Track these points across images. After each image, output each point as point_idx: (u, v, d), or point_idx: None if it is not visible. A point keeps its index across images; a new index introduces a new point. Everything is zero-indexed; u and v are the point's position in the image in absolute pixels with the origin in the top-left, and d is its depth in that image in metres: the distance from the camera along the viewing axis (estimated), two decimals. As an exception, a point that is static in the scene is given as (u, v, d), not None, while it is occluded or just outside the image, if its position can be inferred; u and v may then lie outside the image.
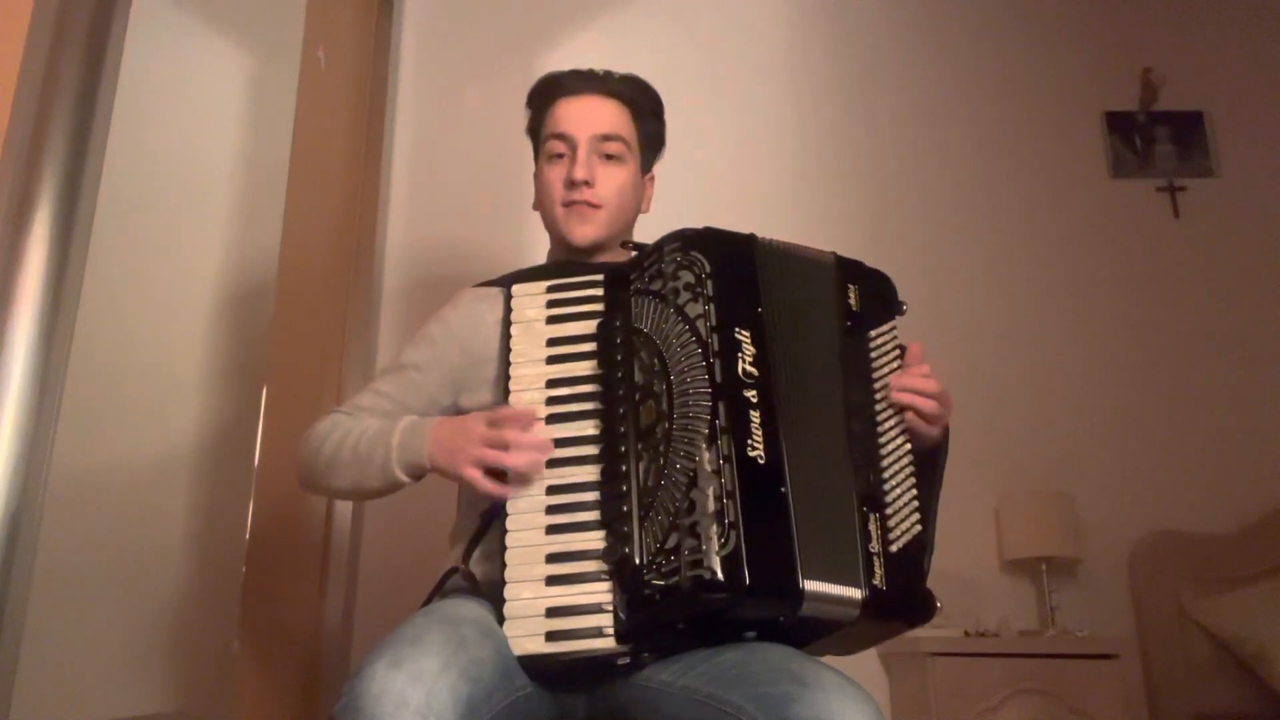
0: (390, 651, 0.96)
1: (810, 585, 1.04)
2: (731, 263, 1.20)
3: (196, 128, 1.77)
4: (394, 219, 2.75)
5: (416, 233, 2.75)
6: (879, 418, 1.21)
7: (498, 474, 1.17)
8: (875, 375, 1.23)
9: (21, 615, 1.14)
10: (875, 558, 1.10)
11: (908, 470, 1.19)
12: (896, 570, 1.11)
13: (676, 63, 2.88)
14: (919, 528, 1.17)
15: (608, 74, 1.44)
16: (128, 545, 1.52)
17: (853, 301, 1.26)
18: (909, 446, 1.21)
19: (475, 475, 1.16)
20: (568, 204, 1.38)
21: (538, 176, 1.44)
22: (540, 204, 1.44)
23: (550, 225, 1.43)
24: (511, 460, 1.15)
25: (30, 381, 1.15)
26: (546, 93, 1.44)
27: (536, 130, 1.46)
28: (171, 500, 1.66)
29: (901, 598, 1.12)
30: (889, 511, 1.15)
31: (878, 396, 1.22)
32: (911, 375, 1.23)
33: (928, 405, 1.22)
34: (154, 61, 1.54)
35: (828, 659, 1.08)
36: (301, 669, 2.21)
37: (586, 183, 1.36)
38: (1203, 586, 2.50)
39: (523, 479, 1.16)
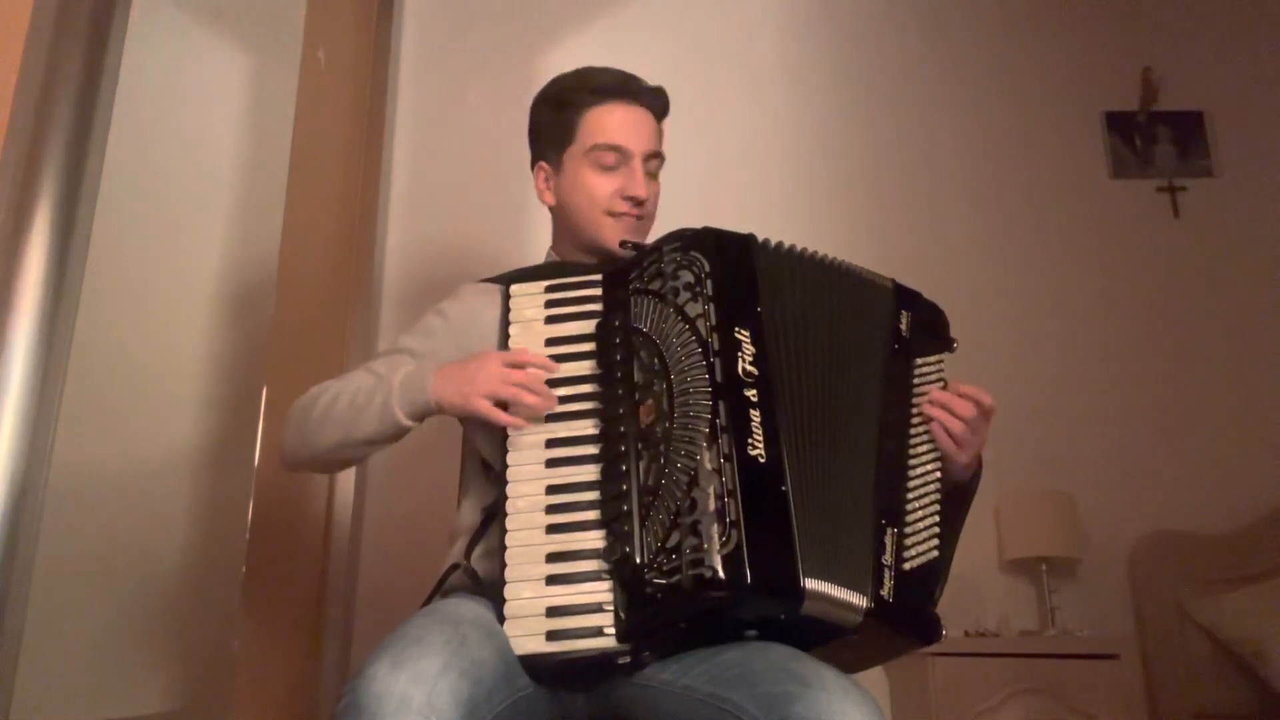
0: (392, 652, 0.96)
1: (812, 584, 1.04)
2: (731, 262, 1.21)
3: (196, 128, 1.77)
4: (394, 219, 2.75)
5: (416, 233, 2.75)
6: (913, 440, 1.22)
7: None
8: (915, 400, 1.25)
9: (21, 615, 1.14)
10: (886, 570, 1.11)
11: (933, 497, 1.21)
12: (906, 587, 1.12)
13: (675, 63, 2.87)
14: (935, 553, 1.17)
15: (639, 80, 1.45)
16: (128, 545, 1.51)
17: (903, 327, 1.29)
18: (938, 475, 1.23)
19: (485, 406, 1.17)
20: (615, 214, 1.38)
21: (575, 179, 1.40)
22: (570, 205, 1.41)
23: (583, 227, 1.41)
24: (525, 397, 1.16)
25: (30, 381, 1.15)
26: (595, 92, 1.41)
27: (566, 129, 1.41)
28: (171, 500, 1.66)
29: (907, 614, 1.13)
30: (907, 530, 1.16)
31: (914, 420, 1.24)
32: (951, 395, 1.25)
33: (955, 425, 1.23)
34: (154, 61, 1.54)
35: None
36: (301, 669, 2.21)
37: (644, 200, 1.39)
38: (1203, 586, 2.50)
39: (534, 414, 1.17)
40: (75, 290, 1.23)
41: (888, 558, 1.12)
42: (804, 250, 1.28)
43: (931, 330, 1.33)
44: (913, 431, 1.23)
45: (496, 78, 2.86)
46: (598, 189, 1.39)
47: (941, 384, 1.29)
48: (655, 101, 1.44)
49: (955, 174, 2.91)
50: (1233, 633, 2.39)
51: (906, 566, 1.14)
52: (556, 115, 1.43)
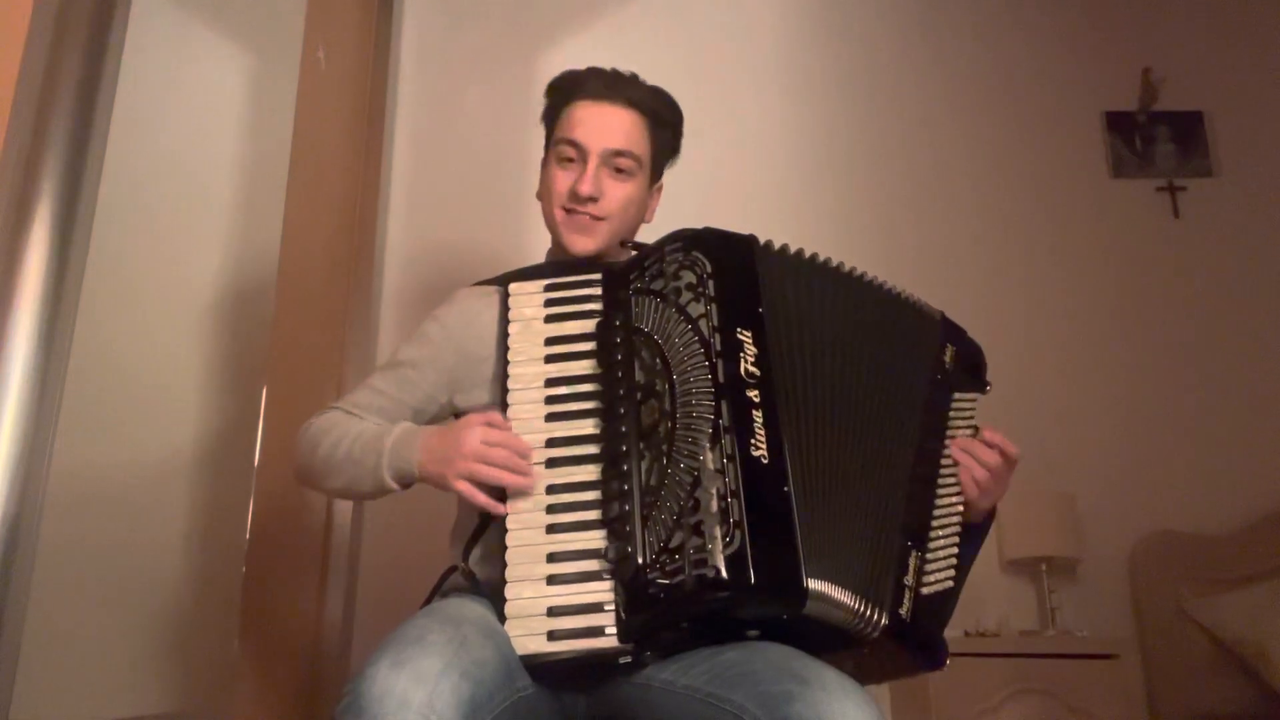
0: (392, 652, 0.96)
1: (815, 585, 1.04)
2: (733, 263, 1.21)
3: (196, 128, 1.77)
4: (394, 219, 2.75)
5: (416, 232, 2.75)
6: (944, 471, 1.24)
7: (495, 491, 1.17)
8: (949, 433, 1.26)
9: (21, 615, 1.14)
10: (907, 590, 1.12)
11: (955, 529, 1.22)
12: (922, 610, 1.13)
13: (675, 62, 2.87)
14: (951, 584, 1.19)
15: (632, 80, 1.41)
16: (128, 545, 1.51)
17: (947, 359, 1.31)
18: (961, 509, 1.24)
19: (465, 488, 1.16)
20: (569, 210, 1.38)
21: (544, 170, 1.43)
22: (542, 199, 1.44)
23: (549, 224, 1.43)
24: (505, 478, 1.14)
25: (30, 382, 1.15)
26: (567, 89, 1.42)
27: (550, 123, 1.44)
28: (171, 500, 1.66)
29: (920, 636, 1.14)
30: (929, 557, 1.17)
31: (946, 452, 1.25)
32: (979, 444, 1.26)
33: (980, 473, 1.25)
34: (154, 61, 1.54)
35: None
36: (301, 669, 2.21)
37: (592, 198, 1.36)
38: (1203, 586, 2.50)
39: (518, 493, 1.15)
40: (75, 291, 1.23)
41: (909, 579, 1.13)
42: (814, 256, 1.27)
43: (971, 369, 1.35)
44: (944, 462, 1.24)
45: (496, 78, 2.86)
46: (555, 184, 1.39)
47: (973, 424, 1.30)
48: (639, 97, 1.40)
49: (955, 174, 2.91)
50: (1233, 633, 2.39)
51: (925, 591, 1.14)
52: (547, 108, 1.46)
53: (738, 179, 2.82)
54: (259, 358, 1.90)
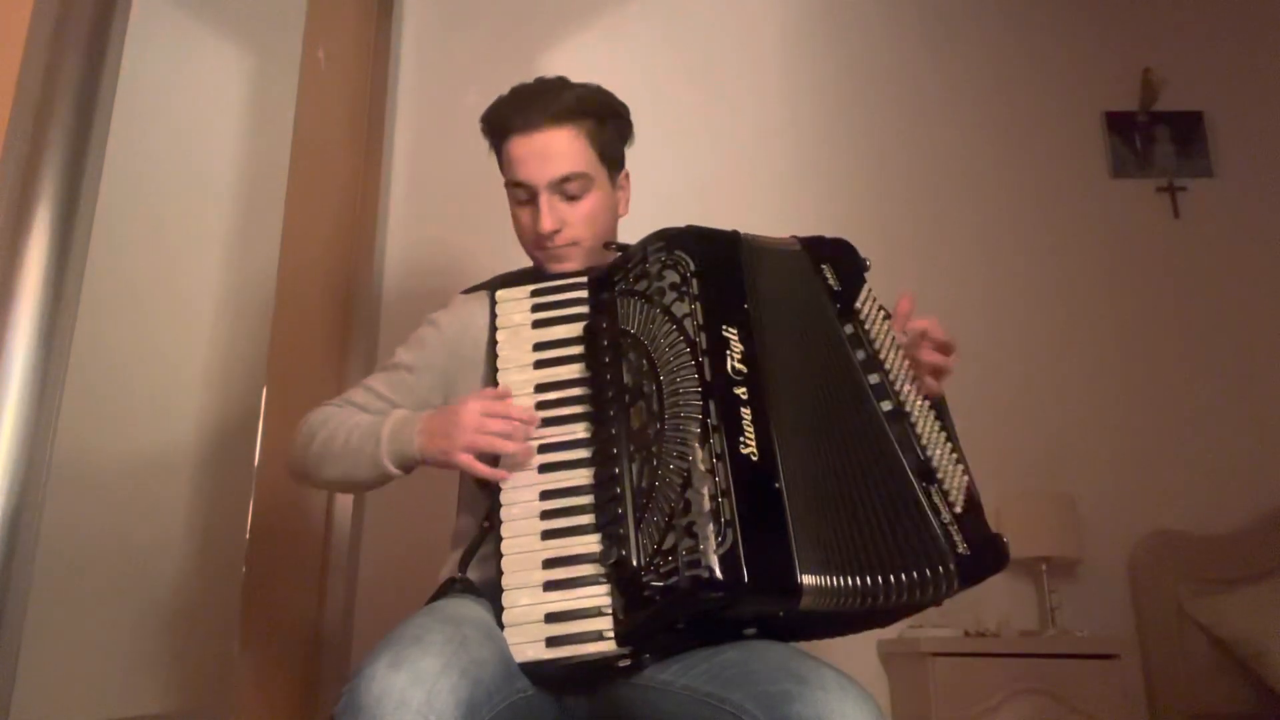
0: (391, 651, 0.96)
1: (809, 580, 1.04)
2: (716, 260, 1.21)
3: (196, 128, 1.77)
4: (394, 220, 2.75)
5: (416, 233, 2.75)
6: (897, 389, 1.19)
7: (490, 460, 1.18)
8: (879, 349, 1.21)
9: (21, 615, 1.14)
10: (950, 528, 1.09)
11: (936, 425, 1.18)
12: (969, 527, 1.10)
13: (674, 63, 2.87)
14: (967, 476, 1.16)
15: (556, 90, 1.37)
16: (128, 545, 1.51)
17: (832, 282, 1.26)
18: (926, 401, 1.20)
19: (466, 460, 1.17)
20: (541, 247, 1.37)
21: (511, 213, 1.41)
22: (517, 235, 1.42)
23: (530, 258, 1.42)
24: (506, 446, 1.16)
25: (30, 381, 1.16)
26: (497, 128, 1.40)
27: (499, 161, 1.42)
28: (171, 500, 1.66)
29: (982, 555, 1.10)
30: (939, 476, 1.13)
31: (889, 369, 1.20)
32: (929, 326, 1.23)
33: (933, 385, 1.22)
34: (154, 61, 1.54)
35: (827, 659, 1.08)
36: (301, 669, 2.21)
37: (556, 231, 1.34)
38: (1203, 586, 2.50)
39: (516, 462, 1.17)
40: (75, 290, 1.24)
41: (945, 515, 1.10)
42: (758, 237, 1.27)
43: (849, 268, 1.29)
44: (894, 381, 1.19)
45: (496, 78, 2.84)
46: (521, 227, 1.39)
47: (883, 313, 1.25)
48: (566, 108, 1.35)
49: (956, 174, 2.91)
50: (1232, 633, 2.39)
51: (958, 510, 1.11)
52: (490, 146, 1.45)
53: (737, 179, 2.82)
54: (259, 358, 1.90)
